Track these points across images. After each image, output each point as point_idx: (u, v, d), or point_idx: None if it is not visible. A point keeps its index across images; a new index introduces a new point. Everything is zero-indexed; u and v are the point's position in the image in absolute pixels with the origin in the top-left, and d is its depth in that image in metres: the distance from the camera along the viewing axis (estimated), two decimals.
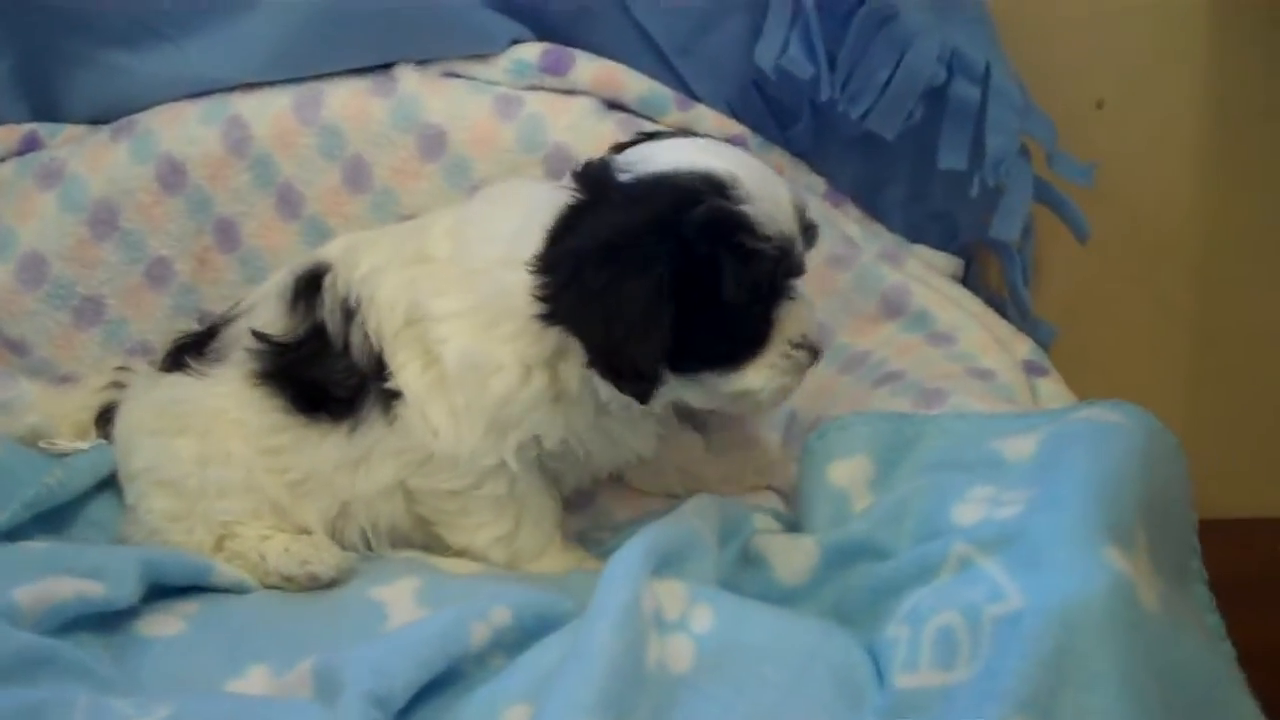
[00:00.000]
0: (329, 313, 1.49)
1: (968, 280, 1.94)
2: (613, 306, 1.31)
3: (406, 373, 1.45)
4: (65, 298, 1.81)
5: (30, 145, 1.87)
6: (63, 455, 1.63)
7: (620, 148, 1.47)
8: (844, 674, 1.20)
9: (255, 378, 1.51)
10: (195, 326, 1.79)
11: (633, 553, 1.28)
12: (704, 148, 1.42)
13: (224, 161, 1.81)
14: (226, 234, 1.84)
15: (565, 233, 1.36)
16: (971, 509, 1.27)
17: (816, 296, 1.76)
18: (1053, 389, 1.73)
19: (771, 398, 1.42)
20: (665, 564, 1.31)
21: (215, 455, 1.51)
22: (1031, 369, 1.76)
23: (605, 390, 1.41)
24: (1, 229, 1.80)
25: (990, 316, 1.84)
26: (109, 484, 1.63)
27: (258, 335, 1.51)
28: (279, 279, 1.56)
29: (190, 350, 1.58)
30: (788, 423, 1.77)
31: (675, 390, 1.41)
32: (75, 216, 1.80)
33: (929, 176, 1.85)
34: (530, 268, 1.36)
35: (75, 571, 1.35)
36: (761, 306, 1.38)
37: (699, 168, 1.35)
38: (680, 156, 1.38)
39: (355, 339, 1.47)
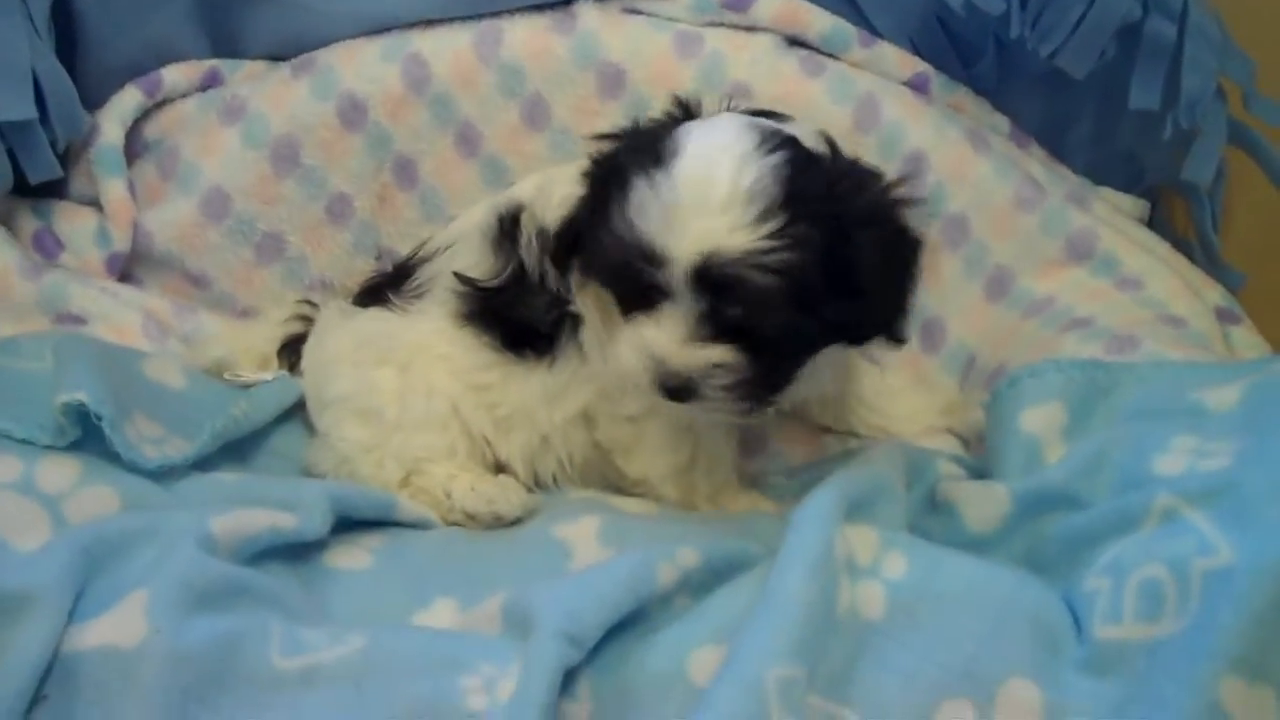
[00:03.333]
0: (526, 246, 1.49)
1: (1153, 223, 1.89)
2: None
3: (583, 295, 1.46)
4: (247, 234, 1.83)
5: (211, 81, 1.88)
6: (247, 386, 1.65)
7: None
8: (1042, 624, 1.18)
9: (461, 317, 1.52)
10: (374, 263, 1.82)
11: (825, 498, 1.26)
12: (743, 130, 1.34)
13: (403, 100, 1.80)
14: (405, 172, 1.84)
15: None
16: (1174, 459, 1.24)
17: (1001, 238, 1.74)
18: (1246, 337, 1.70)
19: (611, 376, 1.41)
20: (855, 509, 1.29)
21: (416, 388, 1.52)
22: (1224, 316, 1.73)
23: None
24: (185, 164, 1.82)
25: (1180, 261, 1.80)
26: (292, 415, 1.66)
27: (461, 278, 1.52)
28: (480, 218, 1.56)
29: (388, 287, 1.59)
30: (966, 367, 1.75)
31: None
32: (257, 153, 1.81)
33: (1117, 116, 1.80)
34: None
35: (268, 503, 1.36)
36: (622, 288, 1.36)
37: (685, 135, 1.33)
38: (713, 126, 1.36)
39: (550, 268, 1.47)
